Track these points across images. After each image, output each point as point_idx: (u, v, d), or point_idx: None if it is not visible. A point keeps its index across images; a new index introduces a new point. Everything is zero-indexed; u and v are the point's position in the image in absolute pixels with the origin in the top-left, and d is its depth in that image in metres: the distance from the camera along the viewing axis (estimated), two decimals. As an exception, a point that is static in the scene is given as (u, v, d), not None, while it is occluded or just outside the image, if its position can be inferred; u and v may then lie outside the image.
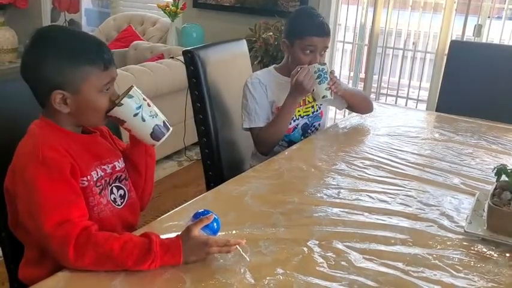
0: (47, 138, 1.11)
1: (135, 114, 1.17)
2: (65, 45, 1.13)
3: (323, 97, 1.81)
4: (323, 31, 1.83)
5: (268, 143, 1.86)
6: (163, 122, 1.21)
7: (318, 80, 1.77)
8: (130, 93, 1.16)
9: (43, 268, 1.11)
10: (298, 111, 1.90)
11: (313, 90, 1.79)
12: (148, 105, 1.19)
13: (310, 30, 1.81)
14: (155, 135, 1.20)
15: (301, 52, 1.82)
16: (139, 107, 1.17)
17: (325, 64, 1.80)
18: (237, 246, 1.07)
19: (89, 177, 1.15)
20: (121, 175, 1.26)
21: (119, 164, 1.26)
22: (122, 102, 1.15)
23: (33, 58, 1.12)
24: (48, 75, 1.11)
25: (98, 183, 1.18)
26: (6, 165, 1.13)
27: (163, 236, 1.08)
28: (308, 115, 1.94)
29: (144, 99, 1.19)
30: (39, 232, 1.04)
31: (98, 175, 1.18)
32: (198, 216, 1.10)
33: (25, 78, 1.15)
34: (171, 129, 1.22)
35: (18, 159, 1.10)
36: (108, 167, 1.22)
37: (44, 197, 1.04)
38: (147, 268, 1.02)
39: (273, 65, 2.00)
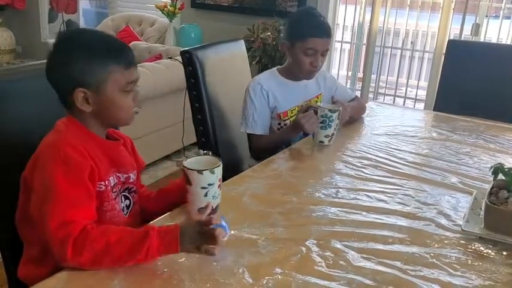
0: (71, 138, 1.11)
1: (203, 188, 1.18)
2: (90, 45, 1.16)
3: (320, 142, 1.76)
4: (324, 32, 1.80)
5: (262, 153, 1.85)
6: (217, 205, 1.23)
7: (322, 125, 1.73)
8: (214, 169, 1.18)
9: (44, 267, 1.11)
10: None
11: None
12: (219, 186, 1.21)
13: (311, 32, 1.78)
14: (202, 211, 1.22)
15: (302, 54, 1.81)
16: (211, 184, 1.19)
17: (335, 111, 1.72)
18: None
19: (106, 182, 1.16)
20: (132, 187, 1.27)
21: (133, 176, 1.27)
22: (203, 172, 1.17)
23: (58, 58, 1.15)
24: (72, 73, 1.13)
25: (114, 190, 1.20)
26: (5, 165, 1.13)
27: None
28: None
29: (219, 179, 1.21)
30: (44, 228, 1.04)
31: (114, 181, 1.20)
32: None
33: (50, 79, 1.17)
34: (216, 213, 1.22)
35: (41, 152, 1.11)
36: (122, 176, 1.23)
37: (58, 195, 1.04)
38: (144, 258, 1.00)
39: (277, 67, 1.98)
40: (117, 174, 1.22)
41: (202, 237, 1.04)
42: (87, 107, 1.14)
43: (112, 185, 1.19)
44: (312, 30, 1.79)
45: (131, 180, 1.26)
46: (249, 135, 1.89)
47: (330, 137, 1.76)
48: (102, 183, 1.15)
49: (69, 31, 1.26)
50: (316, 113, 1.74)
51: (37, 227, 1.09)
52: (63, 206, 1.04)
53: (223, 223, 1.11)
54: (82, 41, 1.17)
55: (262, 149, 1.86)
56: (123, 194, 1.25)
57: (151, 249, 1.01)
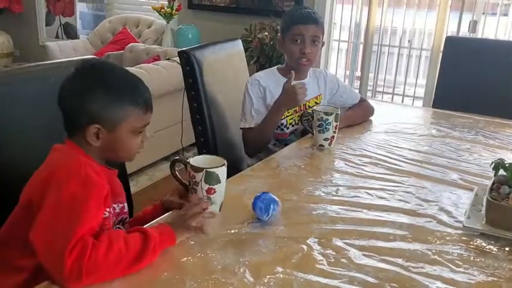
0: (87, 162, 1.08)
1: (225, 181, 1.22)
2: (113, 82, 1.13)
3: (320, 145, 1.74)
4: (309, 19, 1.83)
5: (252, 146, 1.86)
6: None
7: (319, 129, 1.72)
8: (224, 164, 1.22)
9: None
10: (299, 116, 1.90)
11: (313, 134, 1.76)
12: None
13: (295, 19, 1.83)
14: (222, 205, 1.25)
15: (291, 43, 1.83)
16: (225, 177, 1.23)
17: (331, 114, 1.70)
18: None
19: (111, 209, 1.13)
20: (126, 217, 1.25)
21: (126, 206, 1.25)
22: (225, 165, 1.21)
23: (76, 89, 1.11)
24: (90, 108, 1.09)
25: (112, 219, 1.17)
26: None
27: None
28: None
29: None
30: (53, 248, 0.95)
31: (114, 210, 1.17)
32: (258, 199, 1.21)
33: (62, 107, 1.12)
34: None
35: (55, 173, 1.04)
36: (118, 206, 1.21)
37: (76, 216, 0.98)
38: (151, 257, 1.01)
39: (277, 66, 1.99)
40: (113, 205, 1.17)
41: (185, 214, 1.11)
42: (96, 142, 1.11)
43: (113, 213, 1.16)
44: (296, 18, 1.84)
45: (125, 210, 1.24)
46: (242, 130, 1.88)
47: (329, 140, 1.74)
48: (107, 209, 1.11)
49: (90, 61, 1.19)
50: (312, 117, 1.75)
51: (37, 249, 0.99)
52: (81, 227, 0.96)
53: (275, 198, 1.21)
54: (103, 76, 1.13)
55: (252, 139, 1.85)
56: (117, 226, 1.20)
57: (156, 246, 1.02)
